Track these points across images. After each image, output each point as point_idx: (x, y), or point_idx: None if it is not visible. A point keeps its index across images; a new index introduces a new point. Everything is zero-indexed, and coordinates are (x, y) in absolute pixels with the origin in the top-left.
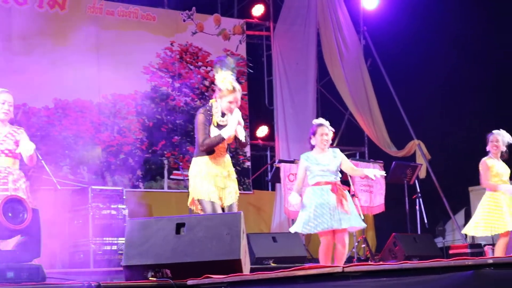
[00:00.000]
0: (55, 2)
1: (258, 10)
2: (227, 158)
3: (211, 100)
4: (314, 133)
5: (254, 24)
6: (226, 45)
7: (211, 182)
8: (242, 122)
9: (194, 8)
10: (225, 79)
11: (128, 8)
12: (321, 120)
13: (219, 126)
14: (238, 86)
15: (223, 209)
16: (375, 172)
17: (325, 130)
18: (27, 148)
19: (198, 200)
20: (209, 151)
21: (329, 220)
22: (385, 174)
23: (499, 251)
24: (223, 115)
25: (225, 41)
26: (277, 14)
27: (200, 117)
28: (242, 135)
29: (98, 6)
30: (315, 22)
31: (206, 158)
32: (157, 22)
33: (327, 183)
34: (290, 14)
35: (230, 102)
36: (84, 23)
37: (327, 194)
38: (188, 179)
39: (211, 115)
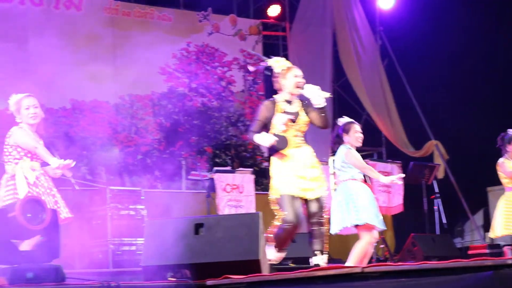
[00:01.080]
0: (71, 2)
1: (274, 10)
2: (306, 149)
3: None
4: (347, 131)
5: (270, 25)
6: (242, 45)
7: (290, 177)
8: (314, 93)
9: (210, 8)
10: (279, 61)
11: (144, 8)
12: (348, 118)
13: (286, 112)
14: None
15: (307, 202)
16: (392, 178)
17: (358, 127)
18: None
19: (277, 199)
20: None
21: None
22: (403, 175)
23: None
24: (288, 103)
25: (241, 42)
26: (293, 14)
27: (260, 107)
28: (319, 100)
29: (114, 7)
30: (331, 22)
31: (280, 154)
32: (173, 22)
33: (362, 180)
34: (306, 14)
35: (296, 76)
36: (100, 23)
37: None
38: (206, 180)
39: (275, 104)
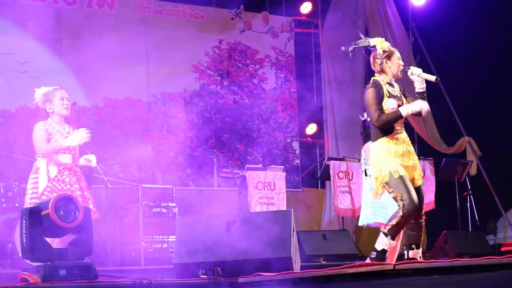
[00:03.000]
0: (104, 1)
1: (306, 7)
2: (406, 135)
3: (372, 78)
4: None
5: (303, 22)
6: (274, 43)
7: (397, 161)
8: (420, 75)
9: (242, 6)
10: (383, 41)
11: (177, 7)
12: None
13: (392, 97)
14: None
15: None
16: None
17: None
18: (93, 161)
19: (386, 183)
20: (386, 127)
21: None
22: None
23: None
24: (391, 86)
25: (274, 39)
26: (325, 11)
27: (369, 92)
28: (423, 84)
29: (146, 5)
30: (364, 18)
31: (384, 140)
32: (205, 20)
33: None
34: (338, 11)
35: (399, 59)
36: (133, 22)
37: None
38: (237, 177)
39: (381, 87)
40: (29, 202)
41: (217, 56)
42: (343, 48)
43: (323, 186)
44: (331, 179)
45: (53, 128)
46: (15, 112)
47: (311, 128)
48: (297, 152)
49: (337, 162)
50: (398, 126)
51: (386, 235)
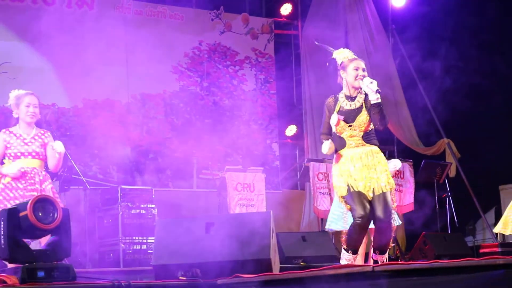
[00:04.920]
0: (84, 1)
1: (286, 9)
2: (368, 148)
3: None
4: None
5: (283, 23)
6: (254, 44)
7: (351, 175)
8: (370, 88)
9: (222, 7)
10: (342, 52)
11: (156, 7)
12: None
13: (342, 112)
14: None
15: (372, 200)
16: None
17: None
18: (59, 146)
19: (342, 197)
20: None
21: None
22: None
23: None
24: (350, 98)
25: (253, 40)
26: (305, 13)
27: (324, 108)
28: (375, 96)
29: (126, 6)
30: (344, 20)
31: (339, 155)
32: (185, 21)
33: None
34: (318, 12)
35: (356, 69)
36: (112, 22)
37: None
38: (217, 178)
39: (336, 102)
40: None
41: (196, 57)
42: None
43: (302, 188)
44: (311, 180)
45: (13, 135)
46: None
47: (291, 130)
48: (277, 153)
49: (317, 163)
50: (351, 141)
51: (346, 250)
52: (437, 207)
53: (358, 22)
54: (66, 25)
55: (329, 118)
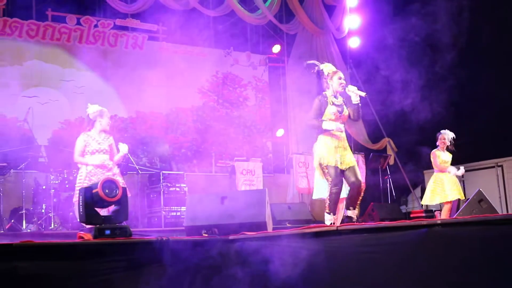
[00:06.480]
0: (136, 44)
1: (276, 48)
2: (343, 136)
3: (324, 92)
4: None
5: (274, 58)
6: (254, 73)
7: (329, 152)
8: (354, 91)
9: (232, 47)
10: (327, 65)
11: (187, 48)
12: None
13: (334, 105)
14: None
15: (344, 171)
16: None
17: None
18: (124, 148)
19: (326, 166)
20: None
21: None
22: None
23: (444, 215)
24: (335, 98)
25: (254, 70)
26: (290, 51)
27: (315, 101)
28: (356, 98)
29: (165, 47)
30: (316, 56)
31: (322, 136)
32: (206, 57)
33: None
34: (298, 51)
35: (340, 78)
36: (156, 60)
37: None
38: (229, 166)
39: (326, 97)
40: (78, 185)
41: (214, 82)
42: (306, 63)
43: (288, 172)
44: (294, 167)
45: (91, 137)
46: (74, 121)
47: (280, 132)
48: (270, 149)
49: (298, 155)
50: (339, 126)
51: (328, 213)
52: (381, 185)
53: (326, 57)
54: (124, 59)
55: (320, 108)
